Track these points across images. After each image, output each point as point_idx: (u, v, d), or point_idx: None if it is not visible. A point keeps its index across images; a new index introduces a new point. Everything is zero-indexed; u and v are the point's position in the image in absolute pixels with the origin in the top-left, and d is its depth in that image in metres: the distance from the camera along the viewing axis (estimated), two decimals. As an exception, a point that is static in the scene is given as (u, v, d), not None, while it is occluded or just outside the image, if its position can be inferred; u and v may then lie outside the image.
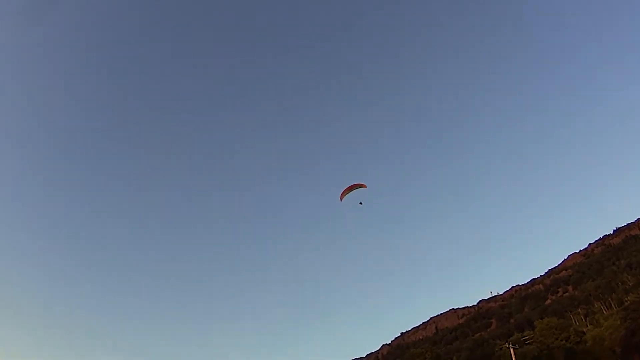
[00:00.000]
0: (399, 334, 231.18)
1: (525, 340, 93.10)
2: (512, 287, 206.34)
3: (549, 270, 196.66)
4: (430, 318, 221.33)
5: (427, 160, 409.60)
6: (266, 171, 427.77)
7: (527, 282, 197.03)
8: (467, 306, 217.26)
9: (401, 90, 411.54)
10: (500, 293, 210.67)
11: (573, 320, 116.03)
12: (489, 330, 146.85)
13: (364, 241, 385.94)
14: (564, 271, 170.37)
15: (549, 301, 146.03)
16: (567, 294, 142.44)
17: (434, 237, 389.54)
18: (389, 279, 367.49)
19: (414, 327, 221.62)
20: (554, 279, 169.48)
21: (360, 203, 54.08)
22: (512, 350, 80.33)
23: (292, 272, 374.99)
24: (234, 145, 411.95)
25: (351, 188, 53.87)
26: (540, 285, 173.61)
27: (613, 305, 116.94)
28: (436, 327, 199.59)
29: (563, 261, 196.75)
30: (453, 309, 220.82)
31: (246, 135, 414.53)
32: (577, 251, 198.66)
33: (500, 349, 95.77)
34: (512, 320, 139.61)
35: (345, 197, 54.13)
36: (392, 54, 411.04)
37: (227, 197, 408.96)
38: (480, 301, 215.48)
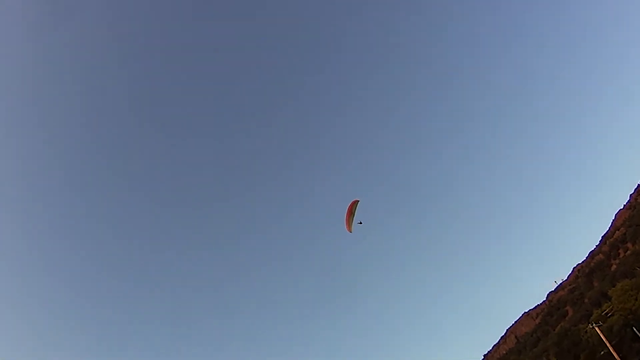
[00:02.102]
0: (482, 358, 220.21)
1: (607, 313, 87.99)
2: (574, 268, 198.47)
3: (603, 236, 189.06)
4: (507, 330, 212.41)
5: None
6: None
7: (587, 257, 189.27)
8: (538, 304, 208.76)
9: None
10: (564, 279, 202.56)
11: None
12: (567, 319, 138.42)
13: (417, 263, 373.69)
14: (617, 231, 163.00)
15: (613, 267, 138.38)
16: (628, 252, 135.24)
17: (483, 249, 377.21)
18: (452, 304, 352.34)
19: (495, 345, 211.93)
20: (610, 243, 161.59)
21: (360, 222, 51.29)
22: (597, 329, 75.47)
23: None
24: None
25: (350, 212, 50.96)
26: (600, 255, 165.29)
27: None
28: (515, 337, 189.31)
29: (612, 222, 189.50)
30: (525, 312, 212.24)
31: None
32: (622, 207, 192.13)
33: (585, 332, 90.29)
34: (585, 300, 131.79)
35: (352, 224, 51.24)
36: (390, 51, 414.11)
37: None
38: (549, 294, 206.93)
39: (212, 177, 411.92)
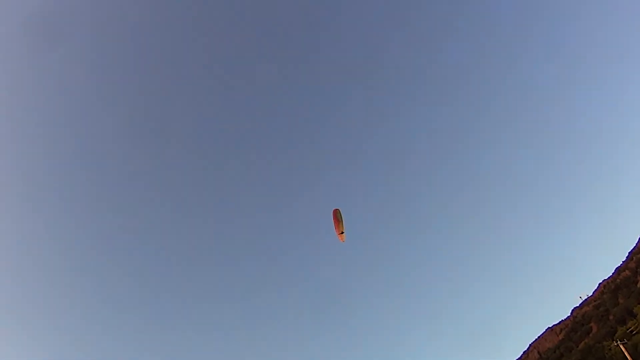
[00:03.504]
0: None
1: (632, 331, 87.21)
2: (600, 283, 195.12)
3: (630, 252, 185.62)
4: (530, 345, 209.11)
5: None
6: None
7: (613, 273, 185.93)
8: (562, 320, 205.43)
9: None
10: (590, 294, 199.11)
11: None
12: (591, 335, 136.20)
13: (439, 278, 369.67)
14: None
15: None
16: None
17: (505, 264, 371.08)
18: (476, 316, 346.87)
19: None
20: (637, 259, 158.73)
21: (342, 232, 50.01)
22: (621, 346, 75.08)
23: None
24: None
25: (337, 222, 49.23)
26: (627, 271, 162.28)
27: None
28: (538, 352, 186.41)
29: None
30: (549, 327, 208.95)
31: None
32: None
33: (610, 349, 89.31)
34: (611, 317, 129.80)
35: (343, 234, 49.50)
36: (388, 49, 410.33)
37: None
38: (573, 310, 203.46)
39: (213, 178, 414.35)
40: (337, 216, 49.19)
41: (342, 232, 49.59)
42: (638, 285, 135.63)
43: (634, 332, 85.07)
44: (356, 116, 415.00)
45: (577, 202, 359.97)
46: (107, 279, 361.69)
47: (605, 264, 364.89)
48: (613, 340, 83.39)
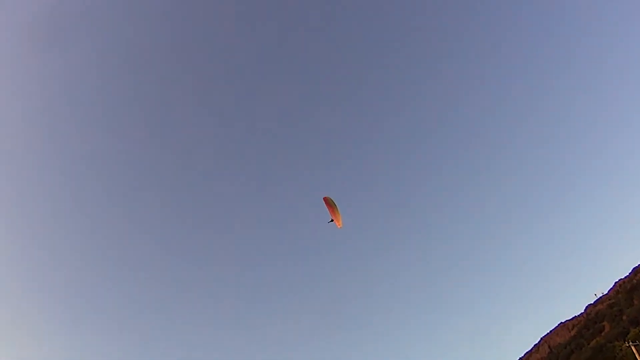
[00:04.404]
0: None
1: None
2: (616, 282, 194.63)
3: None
4: (541, 339, 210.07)
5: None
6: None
7: (630, 273, 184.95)
8: (575, 316, 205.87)
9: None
10: (605, 293, 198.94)
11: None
12: (603, 334, 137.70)
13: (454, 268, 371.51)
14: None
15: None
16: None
17: (524, 252, 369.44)
18: (485, 305, 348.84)
19: (527, 353, 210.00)
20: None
21: (331, 220, 50.57)
22: (633, 347, 76.82)
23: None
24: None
25: (330, 206, 50.11)
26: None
27: None
28: (549, 346, 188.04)
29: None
30: (561, 322, 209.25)
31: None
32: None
33: (621, 349, 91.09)
34: (624, 317, 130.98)
35: (338, 218, 50.20)
36: (388, 52, 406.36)
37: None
38: (587, 307, 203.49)
39: (216, 175, 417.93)
40: (330, 203, 50.76)
41: (336, 218, 50.82)
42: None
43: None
44: (355, 116, 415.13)
45: (600, 202, 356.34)
46: (107, 278, 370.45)
47: (622, 263, 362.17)
48: (625, 341, 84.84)
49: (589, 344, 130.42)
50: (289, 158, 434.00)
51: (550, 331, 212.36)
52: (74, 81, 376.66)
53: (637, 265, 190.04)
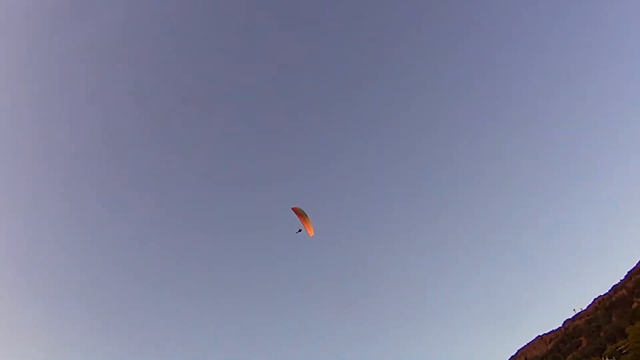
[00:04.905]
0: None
1: (621, 350, 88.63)
2: (595, 299, 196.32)
3: (629, 272, 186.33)
4: (518, 351, 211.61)
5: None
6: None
7: (609, 290, 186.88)
8: (554, 330, 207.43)
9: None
10: (584, 308, 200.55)
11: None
12: (579, 349, 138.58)
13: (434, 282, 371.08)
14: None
15: (635, 304, 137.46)
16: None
17: (504, 266, 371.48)
18: (466, 317, 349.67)
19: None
20: (635, 280, 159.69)
21: (300, 230, 51.35)
22: (609, 364, 77.09)
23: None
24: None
25: (302, 218, 50.76)
26: (624, 290, 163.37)
27: None
28: (526, 358, 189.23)
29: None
30: (539, 335, 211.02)
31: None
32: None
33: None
34: (601, 334, 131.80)
35: (310, 227, 50.80)
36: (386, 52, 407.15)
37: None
38: (565, 322, 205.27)
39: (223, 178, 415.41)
40: (300, 212, 51.17)
41: (307, 227, 51.37)
42: (633, 307, 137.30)
43: (623, 351, 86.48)
44: (355, 116, 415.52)
45: (583, 219, 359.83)
46: (107, 279, 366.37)
47: (602, 280, 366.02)
48: (601, 357, 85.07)
49: (565, 358, 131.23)
50: (289, 158, 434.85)
51: (528, 344, 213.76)
52: (74, 81, 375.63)
53: (616, 283, 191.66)
